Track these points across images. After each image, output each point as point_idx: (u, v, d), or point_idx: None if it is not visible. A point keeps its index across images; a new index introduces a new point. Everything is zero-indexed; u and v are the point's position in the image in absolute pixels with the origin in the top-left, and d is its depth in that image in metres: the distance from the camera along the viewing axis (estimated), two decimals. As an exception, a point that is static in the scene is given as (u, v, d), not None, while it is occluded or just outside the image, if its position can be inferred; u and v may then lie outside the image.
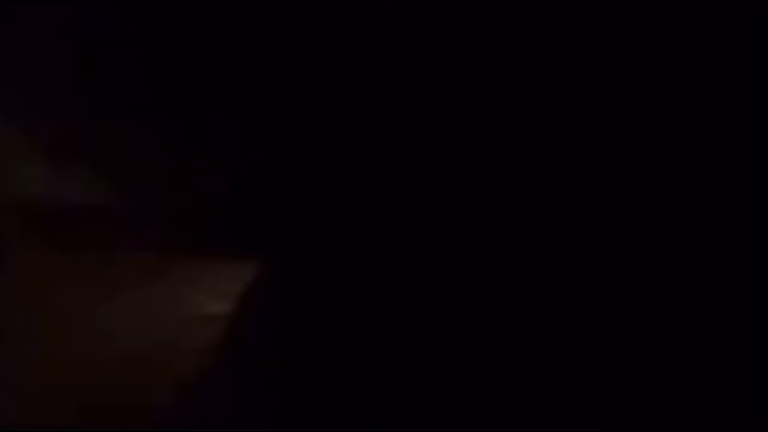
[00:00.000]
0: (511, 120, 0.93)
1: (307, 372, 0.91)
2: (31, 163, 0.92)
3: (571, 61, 0.92)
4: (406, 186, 0.93)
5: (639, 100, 0.92)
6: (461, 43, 0.92)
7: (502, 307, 0.92)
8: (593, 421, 0.90)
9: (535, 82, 0.92)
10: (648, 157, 0.92)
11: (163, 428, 0.89)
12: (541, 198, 0.93)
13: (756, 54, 0.91)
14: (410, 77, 0.93)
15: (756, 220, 0.91)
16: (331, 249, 0.94)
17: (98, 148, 0.93)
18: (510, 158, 0.93)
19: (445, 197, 0.93)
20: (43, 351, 0.88)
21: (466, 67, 0.93)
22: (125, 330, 0.90)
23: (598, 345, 0.91)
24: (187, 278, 0.92)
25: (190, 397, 0.89)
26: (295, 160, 0.94)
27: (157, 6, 0.92)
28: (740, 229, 0.91)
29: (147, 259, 0.92)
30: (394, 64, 0.93)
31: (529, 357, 0.91)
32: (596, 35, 0.92)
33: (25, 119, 0.92)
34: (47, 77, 0.93)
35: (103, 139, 0.93)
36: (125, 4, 0.92)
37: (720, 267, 0.91)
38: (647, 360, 0.91)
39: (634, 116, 0.92)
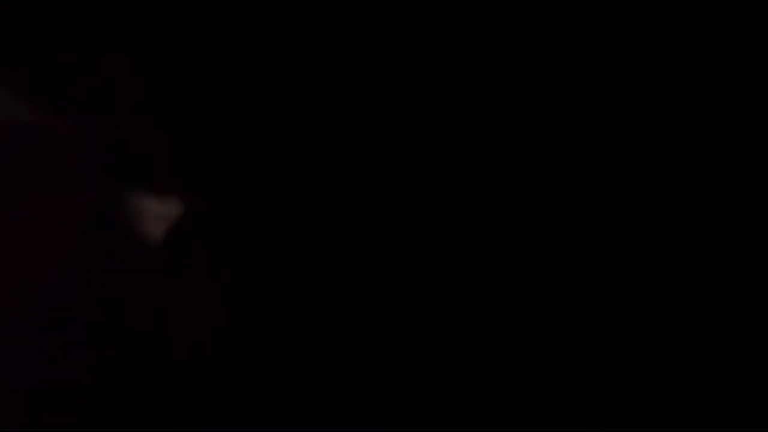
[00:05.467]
0: (511, 120, 0.93)
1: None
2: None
3: (570, 61, 0.92)
4: (398, 188, 0.93)
5: (639, 100, 0.93)
6: (460, 42, 0.93)
7: (498, 307, 0.92)
8: (593, 421, 0.89)
9: (535, 82, 0.93)
10: (648, 157, 0.92)
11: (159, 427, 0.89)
12: (541, 198, 0.93)
13: (756, 54, 0.91)
14: (401, 75, 0.93)
15: (756, 220, 0.91)
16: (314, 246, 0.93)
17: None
18: (509, 158, 0.93)
19: (438, 198, 0.93)
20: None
21: (465, 66, 0.93)
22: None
23: (598, 345, 0.91)
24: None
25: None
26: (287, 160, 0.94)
27: (157, 6, 0.92)
28: (740, 229, 0.91)
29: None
30: (385, 63, 0.93)
31: (529, 357, 0.91)
32: (596, 35, 0.92)
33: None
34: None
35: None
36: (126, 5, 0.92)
37: (720, 267, 0.91)
38: (647, 360, 0.90)
39: (634, 116, 0.93)
